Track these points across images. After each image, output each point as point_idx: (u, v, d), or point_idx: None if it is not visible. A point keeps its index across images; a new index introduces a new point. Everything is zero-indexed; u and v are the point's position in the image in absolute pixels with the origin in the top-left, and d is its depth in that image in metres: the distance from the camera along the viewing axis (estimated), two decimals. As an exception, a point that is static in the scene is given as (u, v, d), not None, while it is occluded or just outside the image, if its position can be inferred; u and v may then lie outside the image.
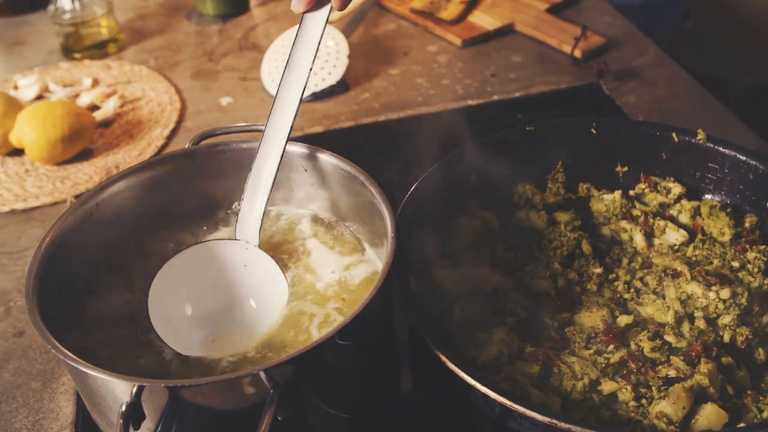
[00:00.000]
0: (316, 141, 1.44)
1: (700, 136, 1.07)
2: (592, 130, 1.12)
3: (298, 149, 0.98)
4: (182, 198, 1.01)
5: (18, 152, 1.42)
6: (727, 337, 0.90)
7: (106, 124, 1.49)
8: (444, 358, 0.80)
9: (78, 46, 1.72)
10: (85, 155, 1.42)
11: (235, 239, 0.95)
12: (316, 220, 1.03)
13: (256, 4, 1.91)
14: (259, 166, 0.92)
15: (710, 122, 1.39)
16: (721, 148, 1.06)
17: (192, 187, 1.01)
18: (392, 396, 0.98)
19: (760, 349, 0.90)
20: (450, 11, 1.72)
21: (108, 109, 1.50)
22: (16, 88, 1.59)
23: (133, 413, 0.74)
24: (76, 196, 1.30)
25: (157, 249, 1.00)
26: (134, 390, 0.73)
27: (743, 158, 1.04)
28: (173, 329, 0.90)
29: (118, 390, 0.74)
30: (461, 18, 1.71)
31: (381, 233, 0.93)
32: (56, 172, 1.38)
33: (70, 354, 0.74)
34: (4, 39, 1.86)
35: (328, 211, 1.02)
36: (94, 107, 1.53)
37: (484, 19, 1.71)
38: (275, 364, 0.74)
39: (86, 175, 1.36)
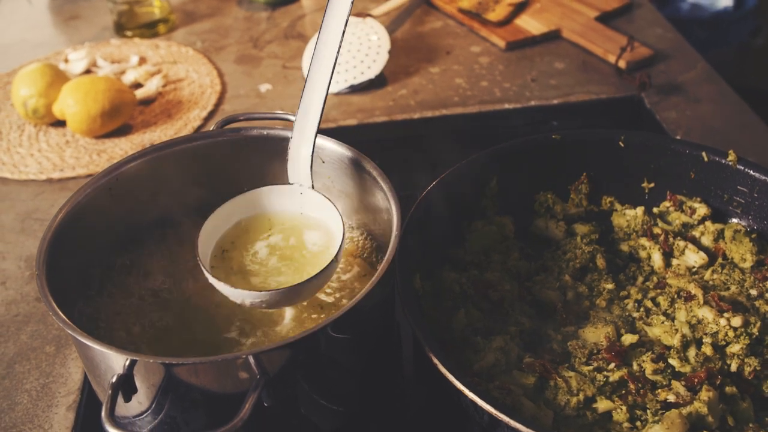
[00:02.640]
0: (348, 133, 1.46)
1: (731, 157, 1.04)
2: (620, 143, 1.09)
3: (318, 140, 0.99)
4: (202, 179, 1.03)
5: (61, 123, 1.46)
6: (734, 367, 0.88)
7: (147, 102, 1.53)
8: (436, 361, 0.79)
9: (130, 24, 1.76)
10: (123, 131, 1.45)
11: (289, 183, 0.94)
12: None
13: (307, -7, 1.93)
14: (306, 104, 0.91)
15: (751, 144, 1.35)
16: (751, 172, 1.03)
17: (212, 169, 1.03)
18: (389, 392, 0.98)
19: (768, 382, 0.88)
20: (497, 13, 1.70)
21: (150, 87, 1.53)
22: (66, 61, 1.64)
23: (125, 385, 0.76)
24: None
25: (172, 228, 1.02)
26: (127, 363, 0.75)
27: (773, 183, 1.01)
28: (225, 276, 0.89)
29: (112, 362, 0.76)
30: (508, 20, 1.70)
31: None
32: (94, 145, 1.42)
33: (69, 322, 0.76)
34: (63, 12, 1.91)
35: (342, 204, 1.03)
36: (138, 85, 1.57)
37: (530, 23, 1.69)
38: (264, 350, 0.74)
39: (122, 150, 1.40)
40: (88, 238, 0.93)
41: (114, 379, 0.74)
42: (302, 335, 0.75)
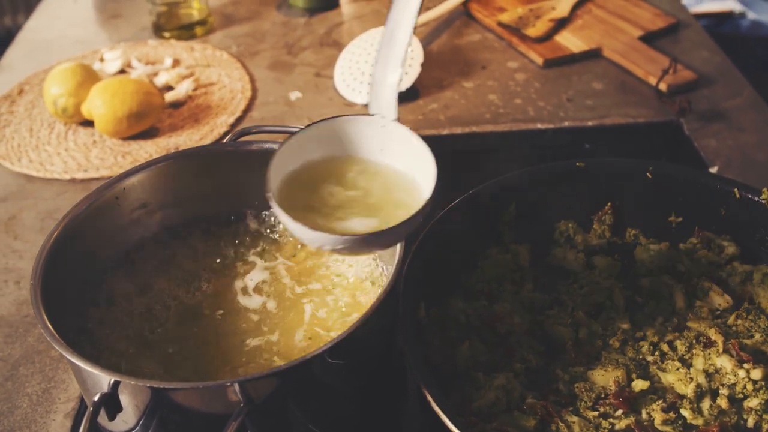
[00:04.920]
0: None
1: (765, 195, 0.98)
2: (648, 174, 1.05)
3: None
4: (208, 192, 1.01)
5: (90, 123, 1.47)
6: (751, 422, 0.82)
7: (177, 105, 1.53)
8: (429, 398, 0.76)
9: (168, 25, 1.76)
10: (150, 133, 1.45)
11: (370, 114, 0.84)
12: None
13: (347, 1, 1.91)
14: (391, 29, 0.81)
15: (795, 179, 1.28)
16: (785, 211, 0.97)
17: (219, 182, 1.01)
18: (391, 422, 0.96)
19: (788, 441, 0.82)
20: (537, 28, 1.66)
21: (180, 91, 1.53)
22: (102, 60, 1.65)
23: (109, 404, 0.75)
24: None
25: (175, 243, 1.01)
26: (111, 383, 0.74)
27: (808, 227, 0.95)
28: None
29: (97, 380, 0.75)
30: (548, 37, 1.65)
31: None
32: (120, 146, 1.42)
33: (57, 336, 0.75)
34: (105, 11, 1.93)
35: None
36: (169, 87, 1.57)
37: (570, 40, 1.64)
38: (250, 378, 0.72)
39: (147, 153, 1.40)
40: (89, 249, 0.93)
41: (97, 398, 0.73)
42: (290, 364, 0.73)
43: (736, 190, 1.01)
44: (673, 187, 1.05)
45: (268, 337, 0.92)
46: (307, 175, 0.83)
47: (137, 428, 0.79)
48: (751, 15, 3.12)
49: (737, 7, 3.10)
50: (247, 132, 1.04)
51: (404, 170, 0.84)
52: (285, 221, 0.75)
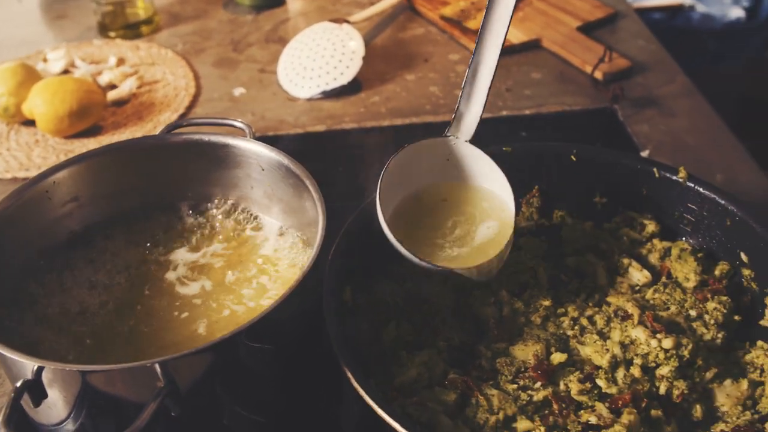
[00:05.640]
0: (316, 139, 1.45)
1: (681, 174, 1.02)
2: (572, 157, 1.08)
3: (256, 147, 0.98)
4: (141, 185, 1.03)
5: (32, 123, 1.47)
6: (662, 389, 0.86)
7: (120, 103, 1.53)
8: (348, 374, 0.78)
9: (114, 25, 1.77)
10: (93, 131, 1.46)
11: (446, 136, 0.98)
12: (271, 223, 1.04)
13: (293, -3, 1.93)
14: (476, 65, 0.95)
15: (722, 161, 1.33)
16: (701, 189, 1.00)
17: (152, 175, 1.03)
18: (317, 404, 0.97)
19: (698, 406, 0.85)
20: (478, 21, 1.69)
21: (123, 89, 1.54)
22: (45, 60, 1.65)
23: (34, 391, 0.76)
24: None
25: (107, 235, 1.02)
26: (34, 369, 0.75)
27: (722, 202, 0.98)
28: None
29: (22, 368, 0.76)
30: (488, 29, 1.68)
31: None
32: (63, 145, 1.43)
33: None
34: (50, 11, 1.93)
35: (282, 213, 1.02)
36: (112, 86, 1.57)
37: (511, 32, 1.67)
38: (170, 358, 0.74)
39: (89, 151, 1.40)
40: (20, 242, 0.93)
41: (19, 384, 0.74)
42: (206, 345, 0.74)
43: (655, 169, 1.04)
44: (597, 169, 1.08)
45: (199, 323, 0.93)
46: (408, 207, 0.97)
47: (64, 414, 0.80)
48: (701, 8, 3.18)
49: (687, 0, 3.16)
50: (178, 125, 1.05)
51: (487, 186, 0.98)
52: (403, 252, 0.88)
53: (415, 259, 0.88)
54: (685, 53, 3.03)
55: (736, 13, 3.17)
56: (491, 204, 0.97)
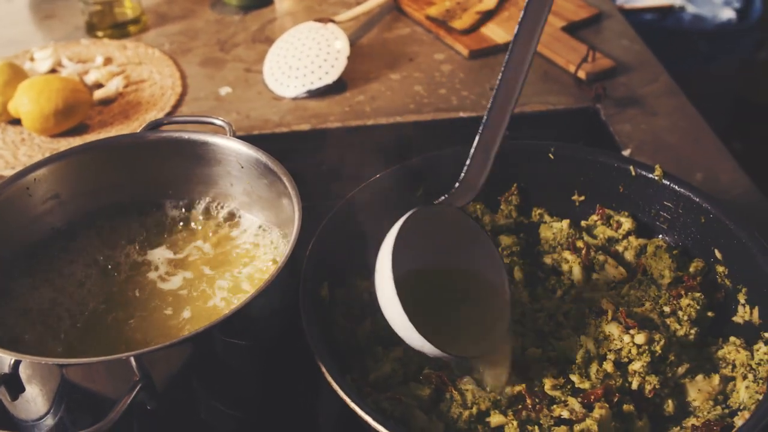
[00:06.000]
0: (300, 139, 1.46)
1: (657, 172, 1.03)
2: (550, 155, 1.09)
3: (235, 145, 0.99)
4: (122, 182, 1.03)
5: (18, 122, 1.47)
6: (635, 385, 0.87)
7: (107, 102, 1.54)
8: (323, 369, 0.79)
9: (101, 24, 1.77)
10: (79, 130, 1.46)
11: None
12: (251, 220, 1.05)
13: (281, -3, 1.94)
14: (488, 131, 0.92)
15: (702, 160, 1.34)
16: (676, 187, 1.02)
17: (133, 172, 1.03)
18: (296, 399, 0.98)
19: (670, 401, 0.86)
20: (463, 21, 1.70)
21: (110, 88, 1.54)
22: (32, 59, 1.65)
23: (11, 385, 0.77)
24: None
25: (88, 233, 1.03)
26: (11, 363, 0.76)
27: (696, 200, 0.99)
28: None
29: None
30: (474, 29, 1.69)
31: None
32: (49, 143, 1.43)
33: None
34: (39, 11, 1.93)
35: (262, 210, 1.03)
36: (99, 85, 1.58)
37: (496, 32, 1.68)
38: (141, 352, 0.75)
39: (75, 149, 1.41)
40: (0, 240, 0.94)
41: (-5, 378, 0.75)
42: (180, 339, 0.75)
43: (632, 167, 1.05)
44: (575, 166, 1.09)
45: (180, 318, 0.94)
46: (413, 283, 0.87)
47: (43, 409, 0.81)
48: (692, 8, 3.20)
49: (677, 1, 3.17)
50: (159, 123, 1.06)
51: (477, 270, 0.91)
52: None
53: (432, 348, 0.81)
54: (676, 54, 3.04)
55: (727, 14, 3.18)
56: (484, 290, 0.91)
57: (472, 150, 0.92)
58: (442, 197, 0.92)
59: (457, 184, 0.93)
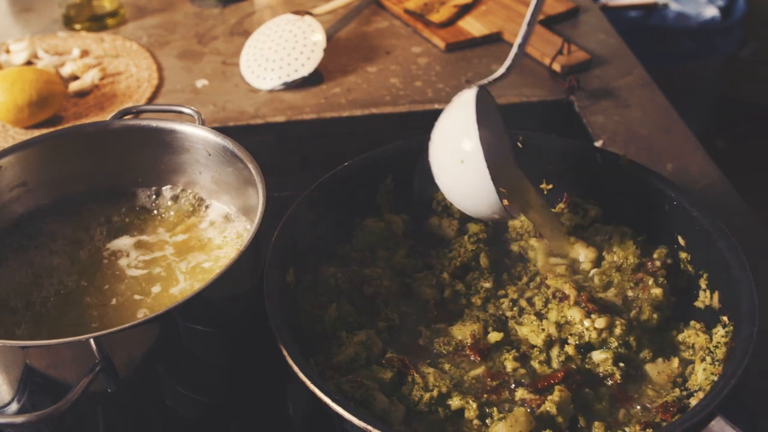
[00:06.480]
0: (275, 130, 1.47)
1: (623, 160, 1.04)
2: (519, 144, 1.09)
3: (202, 133, 1.00)
4: (91, 170, 1.04)
5: (-7, 113, 1.47)
6: (594, 368, 0.87)
7: (83, 94, 1.54)
8: (285, 352, 0.80)
9: (79, 17, 1.77)
10: (54, 122, 1.46)
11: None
12: (220, 208, 1.05)
13: (260, -9, 1.94)
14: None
15: (673, 150, 1.35)
16: (641, 175, 1.03)
17: (102, 161, 1.04)
18: (265, 384, 0.99)
19: (631, 385, 0.87)
20: (441, 14, 1.71)
21: (85, 80, 1.55)
22: (8, 52, 1.65)
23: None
24: None
25: (56, 220, 1.03)
26: (-30, 346, 0.76)
27: (660, 187, 1.00)
28: None
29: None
30: (451, 22, 1.70)
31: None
32: (23, 135, 1.43)
33: None
34: (17, 4, 1.93)
35: (231, 196, 1.03)
36: (75, 77, 1.58)
37: (473, 25, 1.69)
38: (101, 334, 0.75)
39: (49, 140, 1.41)
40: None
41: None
42: (141, 321, 0.75)
43: (598, 155, 1.06)
44: (543, 156, 1.10)
45: (147, 304, 0.94)
46: None
47: (4, 392, 0.81)
48: (676, 6, 3.21)
49: (660, -2, 3.19)
50: (127, 112, 1.06)
51: None
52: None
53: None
54: (660, 52, 3.05)
55: (711, 12, 3.19)
56: None
57: (517, 47, 1.04)
58: (490, 78, 1.05)
59: (502, 71, 1.06)
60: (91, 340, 0.75)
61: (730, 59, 3.29)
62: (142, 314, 0.93)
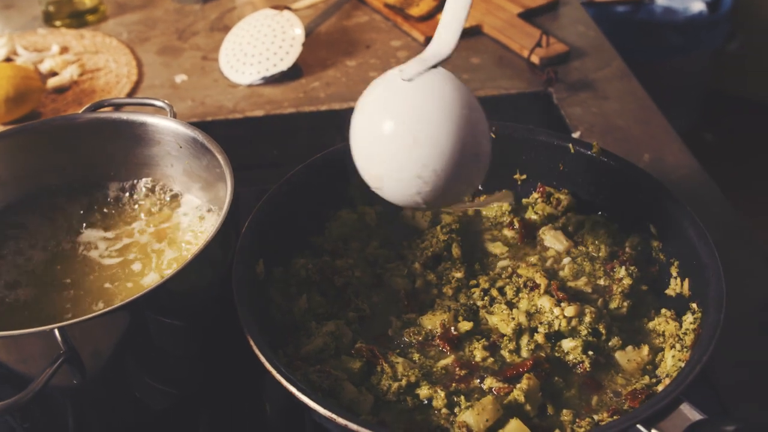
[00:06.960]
0: (253, 124, 1.46)
1: (595, 149, 1.04)
2: (492, 134, 1.09)
3: (172, 125, 0.99)
4: (64, 163, 1.03)
5: (-29, 109, 1.47)
6: (564, 356, 0.87)
7: (62, 90, 1.54)
8: (251, 341, 0.80)
9: (59, 14, 1.77)
10: (32, 117, 1.46)
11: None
12: (192, 201, 1.05)
13: (241, -13, 1.93)
14: None
15: (650, 141, 1.35)
16: (612, 163, 1.03)
17: (74, 155, 1.03)
18: (239, 377, 0.98)
19: (601, 373, 0.87)
20: (420, 8, 1.71)
21: (64, 76, 1.54)
22: (-13, 48, 1.65)
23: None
24: None
25: (28, 213, 1.03)
26: (-66, 337, 0.76)
27: (633, 176, 1.00)
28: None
29: None
30: (431, 16, 1.70)
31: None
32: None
33: None
34: (-3, 2, 1.93)
35: (201, 189, 1.03)
36: (54, 73, 1.58)
37: (452, 19, 1.68)
38: (65, 324, 0.75)
39: (26, 136, 1.40)
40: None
41: None
42: (105, 311, 0.75)
43: (570, 145, 1.06)
44: (516, 146, 1.10)
45: (118, 297, 0.94)
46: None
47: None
48: (662, 0, 3.21)
49: (647, -7, 3.19)
50: (99, 105, 1.06)
51: None
52: None
53: None
54: (647, 47, 3.05)
55: (698, 6, 3.20)
56: None
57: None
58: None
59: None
60: (56, 330, 0.75)
61: (717, 53, 3.29)
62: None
